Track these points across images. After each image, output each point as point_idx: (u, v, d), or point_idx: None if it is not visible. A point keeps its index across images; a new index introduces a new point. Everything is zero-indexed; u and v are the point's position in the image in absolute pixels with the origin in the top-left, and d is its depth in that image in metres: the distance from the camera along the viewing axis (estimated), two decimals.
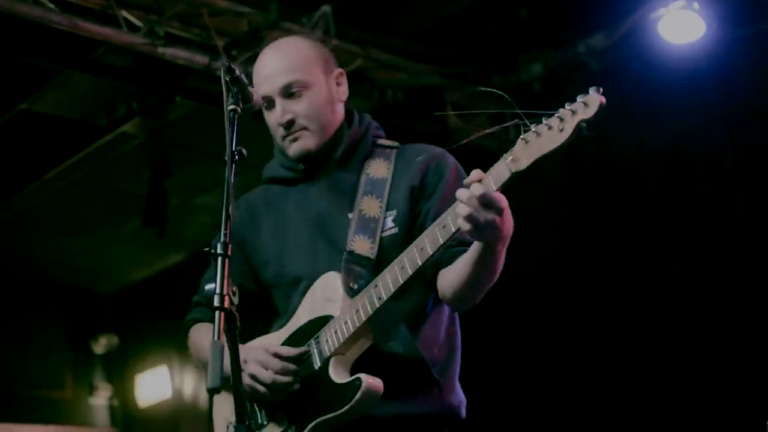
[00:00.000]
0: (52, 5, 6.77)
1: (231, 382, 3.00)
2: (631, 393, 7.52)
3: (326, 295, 3.47)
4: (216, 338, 2.82)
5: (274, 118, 3.60)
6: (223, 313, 2.86)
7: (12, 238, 10.55)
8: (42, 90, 8.17)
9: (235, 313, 2.90)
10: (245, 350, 3.49)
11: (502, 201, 3.05)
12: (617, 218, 7.82)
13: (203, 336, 3.74)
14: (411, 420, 3.45)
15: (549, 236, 8.03)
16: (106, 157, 9.08)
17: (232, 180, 3.06)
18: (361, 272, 3.43)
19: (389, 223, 3.52)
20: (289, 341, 3.54)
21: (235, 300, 2.91)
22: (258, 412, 3.56)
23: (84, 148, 8.85)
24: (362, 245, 3.48)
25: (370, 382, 3.29)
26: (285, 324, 3.62)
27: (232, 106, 3.24)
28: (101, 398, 12.10)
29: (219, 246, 2.92)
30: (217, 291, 2.87)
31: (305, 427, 3.37)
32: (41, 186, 9.43)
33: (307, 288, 3.55)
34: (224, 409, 3.66)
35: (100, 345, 12.05)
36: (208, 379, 2.80)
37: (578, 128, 2.90)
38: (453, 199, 3.17)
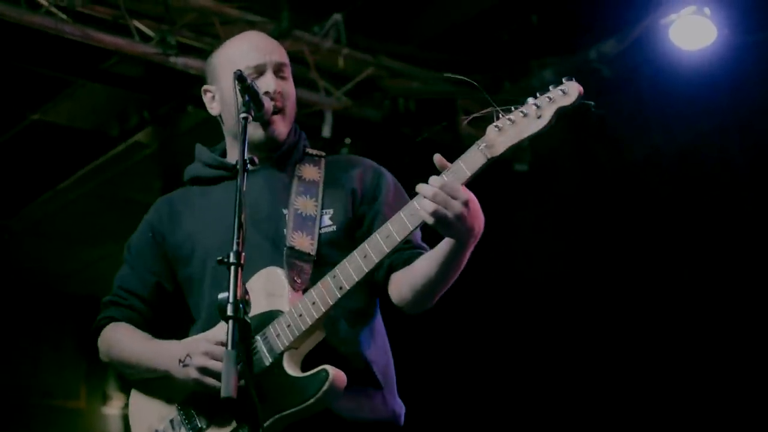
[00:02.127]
0: (64, 16, 6.79)
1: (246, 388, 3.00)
2: (640, 399, 7.51)
3: (269, 290, 3.41)
4: (230, 347, 2.81)
5: (264, 84, 3.57)
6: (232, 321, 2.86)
7: (25, 248, 10.56)
8: (54, 100, 8.18)
9: (249, 321, 2.90)
10: (185, 345, 3.47)
11: (468, 193, 3.07)
12: (630, 223, 7.81)
13: (124, 335, 3.71)
14: (358, 426, 3.42)
15: (563, 241, 8.03)
16: (118, 167, 9.09)
17: (244, 188, 3.08)
18: (304, 267, 3.42)
19: (326, 221, 3.54)
20: None
21: (249, 309, 2.92)
22: (196, 417, 3.48)
23: (96, 158, 8.86)
24: (302, 241, 3.48)
25: (337, 373, 3.25)
26: (217, 322, 3.46)
27: (243, 114, 3.29)
28: (115, 408, 12.10)
29: (232, 255, 2.93)
30: (231, 300, 2.87)
31: (261, 425, 3.25)
32: (53, 196, 9.44)
33: None
34: (147, 415, 3.62)
35: None
36: (222, 387, 2.80)
37: (557, 115, 2.96)
38: (397, 204, 3.29)
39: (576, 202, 8.10)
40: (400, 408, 3.58)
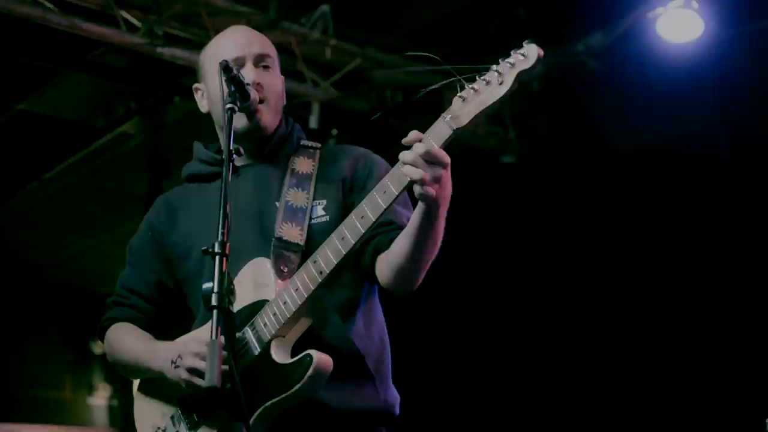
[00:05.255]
0: (50, 5, 6.77)
1: (230, 381, 2.99)
2: (627, 390, 7.53)
3: (256, 281, 3.42)
4: (214, 337, 2.81)
5: (245, 77, 3.49)
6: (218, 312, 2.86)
7: (11, 239, 10.55)
8: (40, 90, 8.17)
9: (233, 310, 2.90)
10: (177, 346, 3.48)
11: (446, 156, 3.07)
12: (616, 215, 7.82)
13: (123, 336, 3.75)
14: (350, 415, 3.43)
15: (549, 233, 8.04)
16: (104, 158, 9.08)
17: (230, 179, 3.07)
18: (291, 257, 3.41)
19: (319, 210, 3.53)
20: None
21: (233, 299, 2.92)
22: (193, 412, 3.50)
23: (82, 148, 8.85)
24: (291, 232, 3.47)
25: (321, 357, 3.25)
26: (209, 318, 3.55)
27: (229, 105, 3.27)
28: (100, 398, 12.11)
29: (216, 245, 2.93)
30: (215, 290, 2.87)
31: (252, 416, 3.28)
32: (40, 187, 9.43)
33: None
34: (150, 414, 3.63)
35: (99, 345, 12.05)
36: (206, 377, 2.80)
37: (518, 79, 3.00)
38: None
39: (562, 195, 8.11)
40: (394, 398, 3.57)
